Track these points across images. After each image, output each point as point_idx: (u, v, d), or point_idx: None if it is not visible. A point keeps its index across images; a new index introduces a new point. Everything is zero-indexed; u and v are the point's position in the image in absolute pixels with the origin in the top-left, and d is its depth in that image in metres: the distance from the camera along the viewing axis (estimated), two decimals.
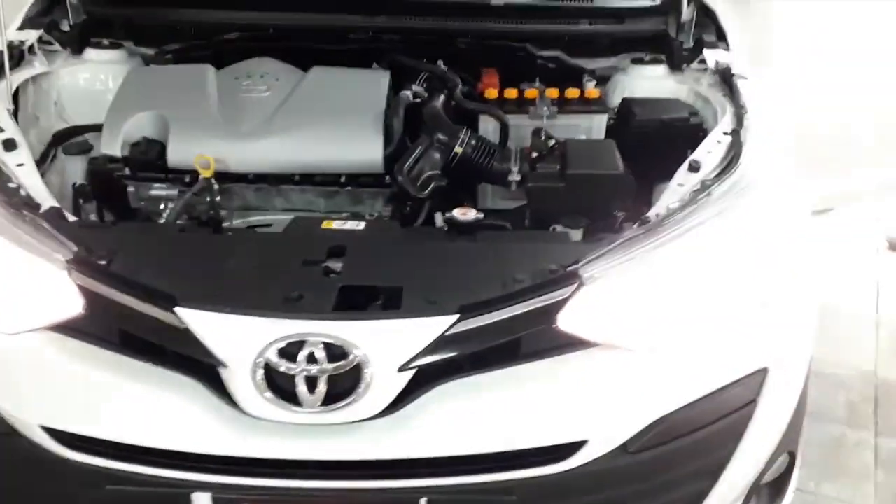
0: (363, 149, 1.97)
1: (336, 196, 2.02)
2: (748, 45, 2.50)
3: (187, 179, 1.97)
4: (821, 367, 2.51)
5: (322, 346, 1.46)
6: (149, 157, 2.00)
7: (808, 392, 1.98)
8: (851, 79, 3.35)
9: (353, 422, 1.49)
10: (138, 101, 2.10)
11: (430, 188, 1.93)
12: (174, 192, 1.98)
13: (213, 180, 1.90)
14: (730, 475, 1.69)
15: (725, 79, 2.13)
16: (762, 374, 1.67)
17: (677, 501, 1.67)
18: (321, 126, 2.01)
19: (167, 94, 2.12)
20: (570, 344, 1.56)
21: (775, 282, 1.72)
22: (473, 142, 1.99)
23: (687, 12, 2.34)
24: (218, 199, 1.89)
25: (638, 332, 1.59)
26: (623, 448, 1.56)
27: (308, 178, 2.00)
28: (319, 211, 2.04)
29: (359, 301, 1.53)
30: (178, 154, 1.98)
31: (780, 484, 1.94)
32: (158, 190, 1.99)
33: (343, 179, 1.99)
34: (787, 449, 1.88)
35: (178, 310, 1.45)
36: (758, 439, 1.71)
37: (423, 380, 1.52)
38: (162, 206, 1.98)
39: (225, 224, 1.84)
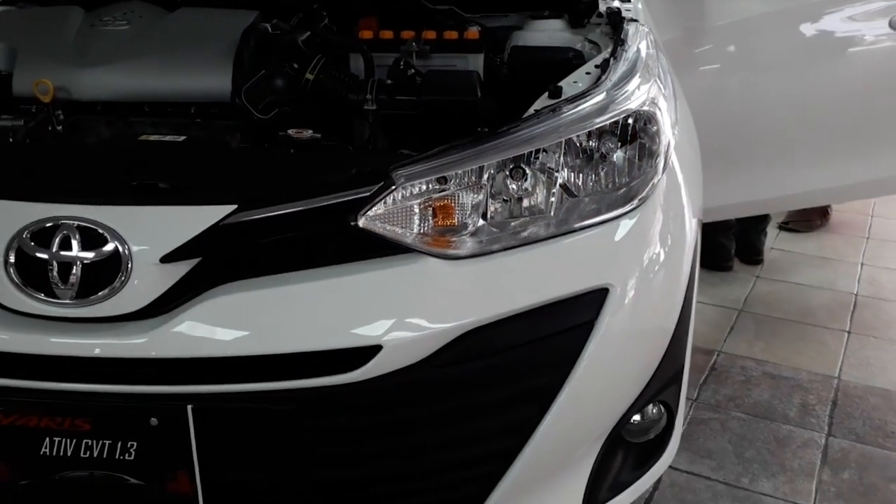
0: (211, 77, 1.88)
1: (188, 129, 1.92)
2: None
3: (33, 109, 1.89)
4: None
5: (77, 231, 1.35)
6: None
7: (689, 344, 1.79)
8: None
9: (115, 317, 1.36)
10: None
11: (272, 112, 1.83)
12: (20, 122, 1.90)
13: (57, 111, 1.82)
14: (564, 409, 1.48)
15: (614, 22, 2.00)
16: (601, 293, 1.49)
17: (496, 434, 1.48)
18: (170, 54, 1.93)
19: (25, 30, 2.07)
20: (375, 247, 1.42)
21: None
22: (326, 69, 1.89)
23: None
24: (60, 128, 1.81)
25: (452, 237, 1.45)
26: (427, 362, 1.39)
27: (159, 110, 1.90)
28: None
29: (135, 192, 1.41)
30: (22, 83, 1.90)
31: (654, 445, 1.73)
32: (4, 121, 1.91)
33: (193, 111, 1.89)
34: (656, 398, 1.68)
35: None
36: (598, 371, 1.51)
37: (200, 278, 1.39)
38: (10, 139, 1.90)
39: None
